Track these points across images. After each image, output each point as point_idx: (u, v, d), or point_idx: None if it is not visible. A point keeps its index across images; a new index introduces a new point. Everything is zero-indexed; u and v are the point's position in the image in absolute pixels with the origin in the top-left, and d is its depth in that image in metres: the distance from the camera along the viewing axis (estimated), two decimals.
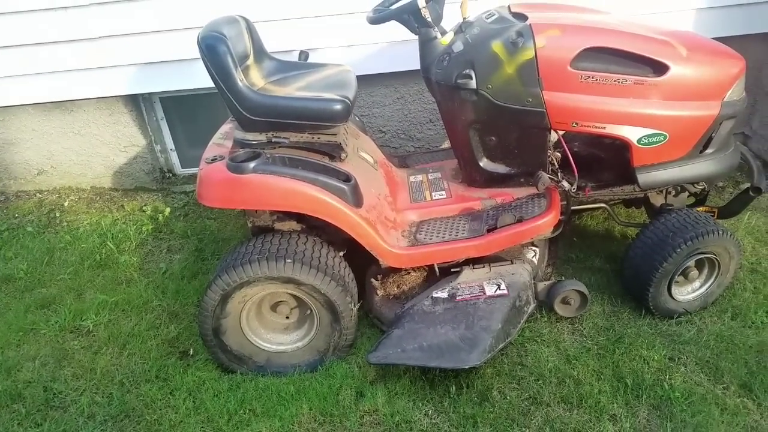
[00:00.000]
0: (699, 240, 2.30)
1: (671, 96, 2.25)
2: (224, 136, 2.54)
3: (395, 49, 3.30)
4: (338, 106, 2.26)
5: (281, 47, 3.18)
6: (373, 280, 2.51)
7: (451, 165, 2.82)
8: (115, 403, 2.25)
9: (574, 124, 2.31)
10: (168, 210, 3.50)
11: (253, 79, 2.47)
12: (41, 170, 3.81)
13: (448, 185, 2.70)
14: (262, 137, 2.33)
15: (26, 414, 2.23)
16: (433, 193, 2.66)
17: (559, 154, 2.53)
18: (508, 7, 2.50)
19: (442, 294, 2.32)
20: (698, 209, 2.61)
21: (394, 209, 2.55)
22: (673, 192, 2.64)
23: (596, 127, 2.30)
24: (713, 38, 2.54)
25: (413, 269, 2.52)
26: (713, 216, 2.63)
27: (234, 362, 2.32)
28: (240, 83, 2.20)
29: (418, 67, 2.53)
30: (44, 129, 3.66)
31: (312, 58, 2.90)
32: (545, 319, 2.49)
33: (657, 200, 2.65)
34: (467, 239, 2.36)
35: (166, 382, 2.33)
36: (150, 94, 3.61)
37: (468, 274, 2.39)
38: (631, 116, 2.27)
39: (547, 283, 2.46)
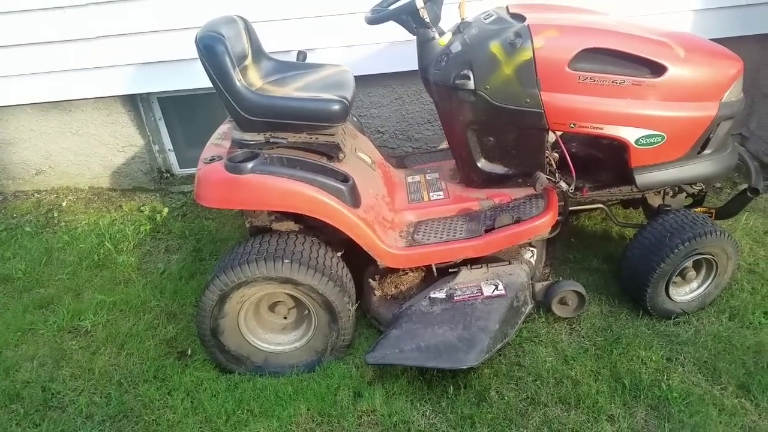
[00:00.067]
0: (697, 241, 2.30)
1: (669, 97, 2.26)
2: (222, 137, 2.54)
3: (393, 49, 3.30)
4: (336, 107, 2.26)
5: (279, 47, 3.18)
6: (370, 280, 2.51)
7: (449, 165, 2.83)
8: (113, 403, 2.25)
9: (571, 125, 2.31)
10: (166, 210, 3.50)
11: (251, 80, 2.47)
12: (39, 170, 3.81)
13: (445, 186, 2.70)
14: (260, 137, 2.33)
15: (25, 414, 2.23)
16: (431, 194, 2.66)
17: (556, 155, 2.53)
18: (507, 7, 2.50)
19: (439, 294, 2.33)
20: (696, 210, 2.62)
21: (392, 210, 2.55)
22: (671, 193, 2.64)
23: (594, 128, 2.30)
24: (711, 39, 2.54)
25: (411, 270, 2.52)
26: (711, 217, 2.63)
27: (232, 362, 2.32)
28: (238, 83, 2.20)
29: (416, 67, 2.53)
30: (42, 129, 3.66)
31: (310, 59, 2.90)
32: (543, 319, 2.49)
33: (655, 201, 2.66)
34: (465, 240, 2.36)
35: (164, 382, 2.33)
36: (148, 94, 3.61)
37: (466, 275, 2.39)
38: (629, 117, 2.27)
39: (545, 283, 2.46)
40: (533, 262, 2.54)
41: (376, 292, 2.49)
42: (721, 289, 2.51)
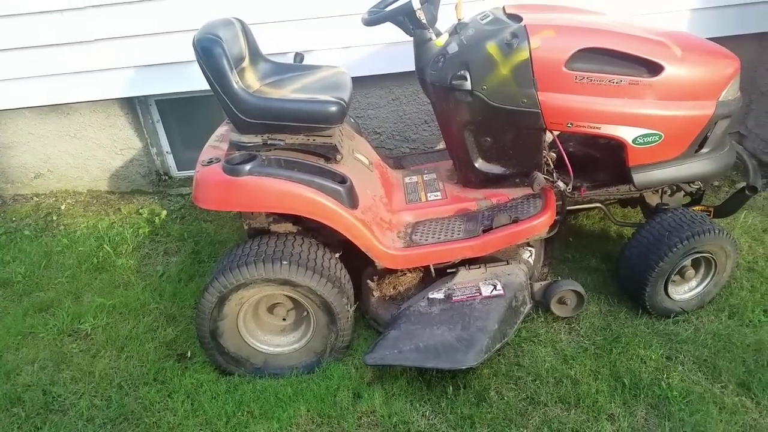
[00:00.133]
0: (695, 239, 2.30)
1: (666, 96, 2.26)
2: (220, 139, 2.55)
3: (390, 50, 3.31)
4: (333, 108, 2.26)
5: (277, 49, 3.18)
6: (369, 281, 2.51)
7: (447, 166, 2.83)
8: (113, 406, 2.26)
9: (569, 125, 2.31)
10: (164, 213, 3.50)
11: (249, 82, 2.47)
12: (38, 174, 3.81)
13: (443, 186, 2.70)
14: (257, 139, 2.33)
15: (26, 418, 2.23)
16: (429, 194, 2.66)
17: (554, 155, 2.53)
18: (503, 8, 2.51)
19: (438, 295, 2.33)
20: (694, 208, 2.62)
21: (390, 210, 2.55)
22: (669, 191, 2.64)
23: (591, 128, 2.31)
24: (708, 38, 2.55)
25: (409, 270, 2.52)
26: (709, 215, 2.63)
27: (231, 364, 2.32)
28: (235, 85, 2.21)
29: (413, 68, 2.53)
30: (41, 132, 3.66)
31: (307, 60, 2.90)
32: (542, 319, 2.49)
33: (653, 200, 2.66)
34: (463, 240, 2.36)
35: (164, 384, 2.33)
36: (146, 96, 3.61)
37: (464, 275, 2.39)
38: (626, 116, 2.27)
39: (544, 283, 2.47)
40: (531, 262, 2.54)
41: (374, 293, 2.49)
42: (720, 287, 2.51)
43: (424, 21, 2.35)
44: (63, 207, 3.68)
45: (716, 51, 2.38)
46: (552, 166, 2.51)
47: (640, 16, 3.27)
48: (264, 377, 2.31)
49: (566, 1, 2.72)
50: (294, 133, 2.34)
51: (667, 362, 2.27)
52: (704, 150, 2.41)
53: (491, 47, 2.25)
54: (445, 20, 2.56)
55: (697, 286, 2.50)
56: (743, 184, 2.58)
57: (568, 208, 2.63)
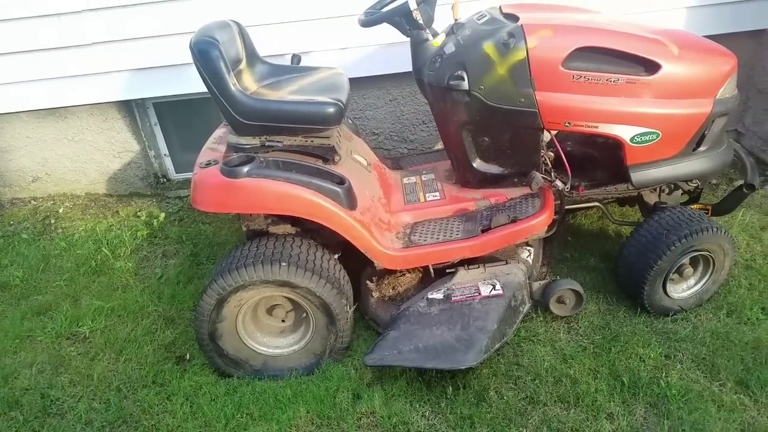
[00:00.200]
0: (693, 237, 2.30)
1: (663, 94, 2.26)
2: (218, 141, 2.54)
3: (387, 51, 3.31)
4: (331, 109, 2.26)
5: (274, 51, 3.18)
6: (368, 282, 2.51)
7: (445, 166, 2.83)
8: (112, 409, 2.25)
9: (566, 124, 2.32)
10: (163, 215, 3.50)
11: (246, 84, 2.47)
12: (36, 177, 3.80)
13: (441, 186, 2.70)
14: (255, 141, 2.33)
15: (24, 421, 2.23)
16: (427, 195, 2.66)
17: (552, 154, 2.53)
18: (500, 8, 2.51)
19: (437, 295, 2.33)
20: (692, 207, 2.62)
21: (388, 211, 2.55)
22: (667, 190, 2.65)
23: (589, 127, 2.31)
24: (705, 36, 2.55)
25: (408, 271, 2.53)
26: (707, 213, 2.64)
27: (230, 366, 2.32)
28: (233, 87, 2.20)
29: (410, 69, 2.53)
30: (38, 136, 3.66)
31: (304, 62, 2.90)
32: (541, 318, 2.49)
33: (651, 198, 2.66)
34: (462, 240, 2.37)
35: (163, 387, 2.33)
36: (143, 99, 3.61)
37: (463, 275, 2.39)
38: (624, 115, 2.27)
39: (542, 282, 2.47)
40: (530, 262, 2.54)
41: (373, 294, 2.49)
42: (719, 285, 2.51)
43: (421, 21, 2.35)
44: (61, 210, 3.67)
45: (713, 49, 2.38)
46: (550, 166, 2.51)
47: (637, 14, 3.27)
48: (263, 379, 2.31)
49: (563, 1, 2.72)
50: (292, 134, 2.34)
51: (665, 361, 2.27)
52: (702, 148, 2.41)
53: (488, 47, 2.25)
54: (442, 20, 2.56)
55: (695, 284, 2.50)
56: (741, 181, 2.59)
57: (566, 207, 2.63)
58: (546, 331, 2.44)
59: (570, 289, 2.42)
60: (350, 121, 3.05)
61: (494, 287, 2.31)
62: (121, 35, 3.28)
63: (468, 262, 2.42)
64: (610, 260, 2.75)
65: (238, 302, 2.20)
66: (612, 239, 2.99)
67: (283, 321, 2.38)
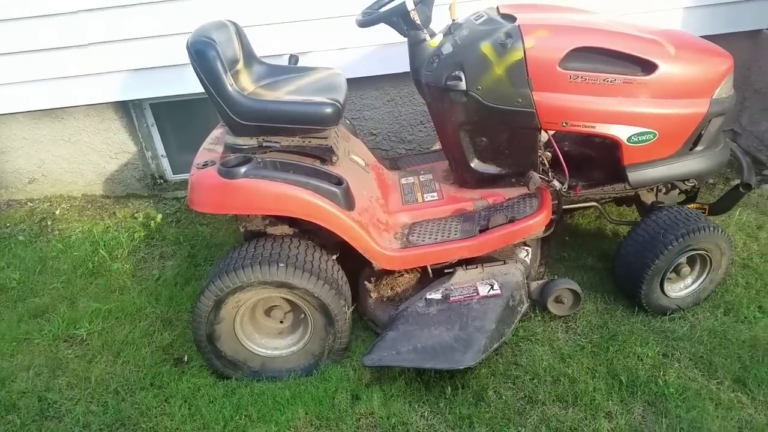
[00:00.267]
0: (690, 237, 2.31)
1: (660, 94, 2.27)
2: (215, 141, 2.54)
3: (385, 51, 3.31)
4: (329, 110, 2.26)
5: (271, 51, 3.18)
6: (366, 282, 2.51)
7: (443, 166, 2.83)
8: (110, 411, 2.24)
9: (564, 124, 2.32)
10: (160, 216, 3.49)
11: (243, 84, 2.47)
12: (32, 179, 3.79)
13: (439, 187, 2.71)
14: (252, 142, 2.33)
15: (21, 425, 2.22)
16: (425, 195, 2.66)
17: (549, 154, 2.54)
18: (497, 8, 2.51)
19: (435, 295, 2.33)
20: (689, 206, 2.63)
21: (386, 211, 2.55)
22: (664, 190, 2.66)
23: (586, 127, 2.31)
24: (701, 36, 2.56)
25: (406, 271, 2.52)
26: (704, 213, 2.65)
27: (229, 368, 2.31)
28: (230, 88, 2.20)
29: (408, 69, 2.53)
30: (35, 137, 3.64)
31: (302, 62, 2.90)
32: (539, 318, 2.49)
33: (648, 198, 2.67)
34: (460, 240, 2.37)
35: (161, 389, 2.32)
36: (140, 100, 3.60)
37: (461, 275, 2.39)
38: (621, 115, 2.28)
39: (540, 282, 2.47)
40: (528, 261, 2.55)
41: (372, 295, 2.49)
42: (716, 284, 2.52)
43: (418, 22, 2.35)
44: (58, 212, 3.66)
45: (710, 49, 2.39)
46: (547, 166, 2.51)
47: (634, 15, 3.28)
48: (262, 380, 2.31)
49: (560, 1, 2.72)
50: (289, 135, 2.33)
51: (663, 359, 2.27)
52: (698, 148, 2.42)
53: (485, 47, 2.25)
54: (439, 21, 2.56)
55: (692, 283, 2.51)
56: (738, 181, 2.59)
57: (563, 207, 2.64)
58: (544, 330, 2.44)
59: (568, 288, 2.42)
60: (348, 122, 3.05)
61: (492, 287, 2.31)
62: (118, 36, 3.27)
63: (466, 262, 2.42)
64: (607, 260, 2.76)
65: (236, 303, 2.20)
66: (609, 239, 3.00)
67: (281, 322, 2.37)
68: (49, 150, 3.69)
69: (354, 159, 2.64)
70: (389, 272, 2.48)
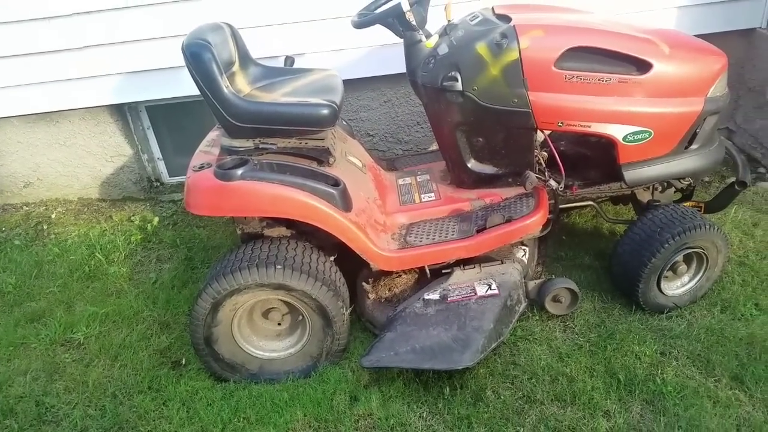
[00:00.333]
0: (686, 235, 2.32)
1: (655, 93, 2.28)
2: (211, 144, 2.54)
3: (381, 52, 3.31)
4: (325, 111, 2.26)
5: (267, 53, 3.18)
6: (364, 283, 2.51)
7: (440, 167, 2.83)
8: (108, 415, 2.24)
9: (559, 124, 2.33)
10: (156, 219, 3.48)
11: (239, 86, 2.47)
12: (28, 183, 3.78)
13: (436, 187, 2.71)
14: (249, 144, 2.32)
15: (19, 429, 2.21)
16: (422, 195, 2.67)
17: (545, 154, 2.54)
18: (492, 8, 2.52)
19: (433, 296, 2.33)
20: (685, 204, 2.64)
21: (384, 212, 2.55)
22: (660, 188, 2.66)
23: (582, 126, 2.32)
24: (695, 35, 2.57)
25: (404, 272, 2.52)
26: (700, 211, 2.66)
27: (227, 371, 2.31)
28: (226, 90, 2.20)
29: (404, 70, 2.54)
30: (30, 141, 3.63)
31: (298, 64, 2.90)
32: (537, 317, 2.50)
33: (644, 197, 2.68)
34: (457, 240, 2.37)
35: (159, 392, 2.32)
36: (136, 103, 3.59)
37: (459, 275, 2.39)
38: (616, 114, 2.29)
39: (538, 281, 2.47)
40: (525, 261, 2.55)
41: (369, 296, 2.49)
42: (712, 282, 2.53)
43: (414, 23, 2.35)
44: (53, 216, 3.65)
45: (704, 48, 2.40)
46: (544, 165, 2.52)
47: (628, 14, 3.29)
48: (260, 383, 2.30)
49: (555, 1, 2.73)
50: (286, 136, 2.33)
51: (661, 358, 2.28)
52: (694, 146, 2.43)
53: (481, 48, 2.25)
54: (435, 22, 2.57)
55: (689, 281, 2.51)
56: (733, 179, 2.60)
57: (560, 206, 2.65)
58: (542, 330, 2.44)
59: (565, 287, 2.43)
60: (345, 123, 3.05)
61: (490, 287, 2.32)
62: (113, 39, 3.27)
63: (464, 263, 2.43)
64: (604, 258, 2.76)
65: (234, 306, 2.19)
66: (606, 238, 3.00)
67: (279, 324, 2.37)
68: (44, 154, 3.68)
69: (351, 160, 2.64)
70: (387, 273, 2.48)
